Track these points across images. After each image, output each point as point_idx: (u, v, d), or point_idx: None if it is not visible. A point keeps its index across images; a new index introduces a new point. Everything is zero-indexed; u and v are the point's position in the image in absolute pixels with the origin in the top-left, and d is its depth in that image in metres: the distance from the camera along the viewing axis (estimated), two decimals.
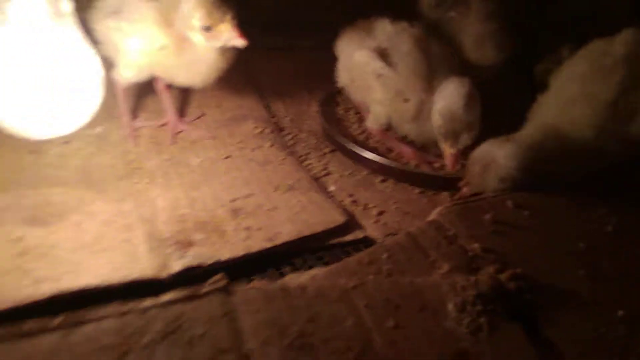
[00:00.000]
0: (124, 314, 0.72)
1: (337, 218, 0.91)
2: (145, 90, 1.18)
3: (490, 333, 0.71)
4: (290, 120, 1.22)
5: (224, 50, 1.02)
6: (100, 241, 0.83)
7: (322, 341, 0.68)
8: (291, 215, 0.91)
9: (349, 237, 0.90)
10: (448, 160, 1.00)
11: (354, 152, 1.09)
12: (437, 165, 1.09)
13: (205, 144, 1.09)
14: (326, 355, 0.66)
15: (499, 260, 0.81)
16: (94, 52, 1.02)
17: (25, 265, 0.78)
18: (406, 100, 1.04)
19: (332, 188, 1.03)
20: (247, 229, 0.87)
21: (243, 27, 0.98)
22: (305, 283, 0.76)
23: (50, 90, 0.95)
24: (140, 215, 0.89)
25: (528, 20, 1.28)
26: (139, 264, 0.79)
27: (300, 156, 1.11)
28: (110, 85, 1.07)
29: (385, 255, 0.82)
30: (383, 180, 1.05)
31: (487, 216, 0.90)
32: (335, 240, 0.89)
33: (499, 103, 1.08)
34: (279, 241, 0.85)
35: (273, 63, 1.38)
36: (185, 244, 0.83)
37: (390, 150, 1.12)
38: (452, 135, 0.98)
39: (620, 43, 0.96)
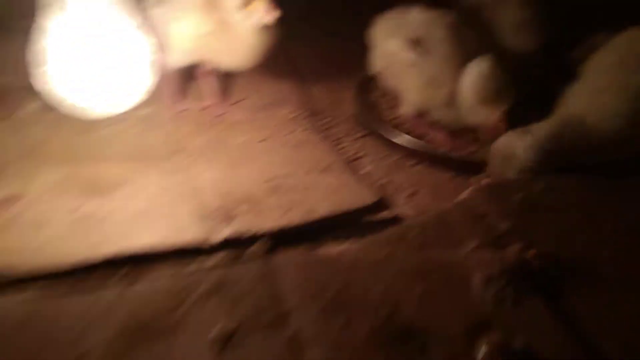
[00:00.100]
0: (173, 275, 0.79)
1: (369, 198, 0.95)
2: (189, 75, 1.23)
3: (513, 305, 0.74)
4: (326, 105, 1.25)
5: (264, 33, 1.07)
6: (150, 211, 0.89)
7: (355, 303, 0.73)
8: (326, 194, 0.95)
9: (381, 216, 0.94)
10: (493, 128, 1.00)
11: (387, 136, 1.12)
12: (469, 150, 1.10)
13: (244, 127, 1.14)
14: (358, 315, 0.71)
15: (526, 238, 0.82)
16: (146, 37, 1.09)
17: (83, 231, 0.85)
18: (440, 87, 1.06)
19: (365, 170, 1.06)
20: (286, 204, 0.92)
21: (282, 16, 1.03)
22: (340, 252, 0.81)
23: (106, 70, 1.03)
24: (187, 189, 0.95)
25: (563, 6, 1.26)
26: (186, 232, 0.85)
27: (335, 140, 1.14)
28: (158, 69, 1.14)
29: (415, 231, 0.85)
30: (415, 164, 1.08)
31: (517, 196, 0.91)
32: (367, 219, 0.93)
33: (533, 91, 1.09)
34: (317, 215, 0.90)
35: (311, 50, 1.42)
36: (229, 216, 0.89)
37: (423, 135, 1.14)
38: (488, 96, 0.99)
39: None
